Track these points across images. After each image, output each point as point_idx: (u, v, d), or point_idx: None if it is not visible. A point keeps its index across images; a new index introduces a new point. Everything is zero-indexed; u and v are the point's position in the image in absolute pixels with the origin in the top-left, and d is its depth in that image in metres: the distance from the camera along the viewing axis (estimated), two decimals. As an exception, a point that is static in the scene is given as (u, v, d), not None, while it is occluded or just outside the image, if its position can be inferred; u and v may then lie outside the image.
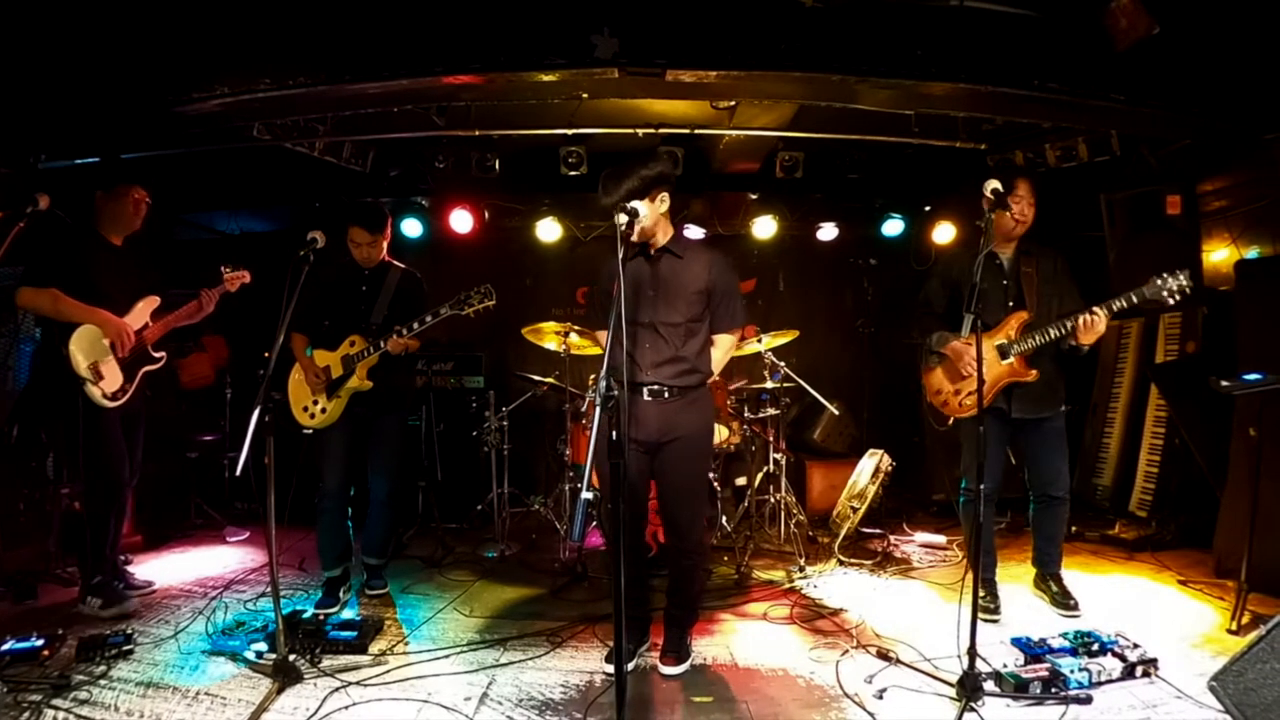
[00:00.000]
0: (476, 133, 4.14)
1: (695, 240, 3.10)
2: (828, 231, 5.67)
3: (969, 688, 2.40)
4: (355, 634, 2.92)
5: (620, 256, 2.27)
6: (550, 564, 4.08)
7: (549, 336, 4.40)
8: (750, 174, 5.39)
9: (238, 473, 2.62)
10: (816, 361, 5.81)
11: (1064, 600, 3.28)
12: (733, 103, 4.06)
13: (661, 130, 4.31)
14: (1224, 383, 2.95)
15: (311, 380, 3.44)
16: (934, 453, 5.12)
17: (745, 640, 3.11)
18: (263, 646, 2.82)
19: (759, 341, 4.39)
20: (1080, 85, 3.37)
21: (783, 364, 4.47)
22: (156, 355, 3.47)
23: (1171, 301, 2.85)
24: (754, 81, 3.48)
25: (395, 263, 3.60)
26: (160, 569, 3.98)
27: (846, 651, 2.93)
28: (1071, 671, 2.52)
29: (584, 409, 4.21)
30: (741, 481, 5.14)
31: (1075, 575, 3.72)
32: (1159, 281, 2.83)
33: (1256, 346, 3.49)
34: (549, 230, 5.50)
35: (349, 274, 3.49)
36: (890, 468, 4.50)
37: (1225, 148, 4.19)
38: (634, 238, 2.58)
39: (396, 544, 4.28)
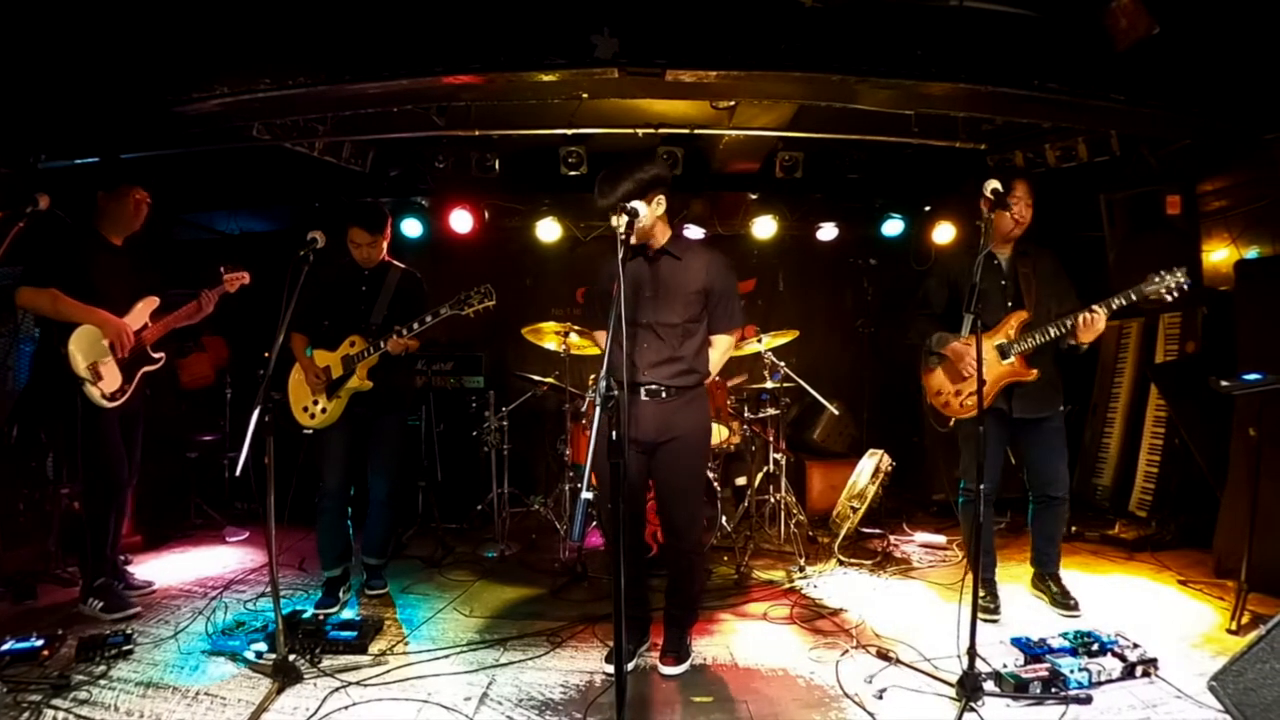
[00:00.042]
0: (476, 133, 4.14)
1: (693, 241, 3.09)
2: (828, 231, 5.67)
3: (969, 688, 2.40)
4: (355, 634, 2.92)
5: (620, 257, 2.26)
6: (550, 564, 4.08)
7: (549, 336, 4.40)
8: (750, 174, 5.39)
9: (238, 473, 2.61)
10: (816, 361, 5.81)
11: (1064, 600, 3.28)
12: (733, 103, 4.05)
13: (661, 130, 4.31)
14: (1224, 383, 2.95)
15: (311, 380, 3.44)
16: (934, 453, 5.12)
17: (745, 640, 3.11)
18: (262, 646, 2.82)
19: (759, 341, 4.39)
20: (1080, 85, 3.37)
21: (783, 364, 4.47)
22: (155, 356, 3.47)
23: (1169, 298, 2.87)
24: (754, 81, 3.48)
25: (395, 263, 3.60)
26: (160, 569, 3.98)
27: (846, 651, 2.93)
28: (1071, 671, 2.52)
29: (584, 409, 4.21)
30: (741, 481, 5.14)
31: (1075, 575, 3.72)
32: (1157, 279, 2.85)
33: (1256, 346, 3.49)
34: (549, 230, 5.50)
35: (349, 274, 3.49)
36: (890, 468, 4.50)
37: (1225, 148, 4.19)
38: (632, 239, 2.58)
39: (396, 544, 4.28)
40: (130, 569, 3.80)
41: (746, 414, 4.49)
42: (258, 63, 3.31)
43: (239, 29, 3.27)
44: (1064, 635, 2.78)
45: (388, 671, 2.75)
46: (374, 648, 2.95)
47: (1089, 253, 4.85)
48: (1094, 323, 2.94)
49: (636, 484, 2.82)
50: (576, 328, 4.27)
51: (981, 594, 3.03)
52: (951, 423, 3.33)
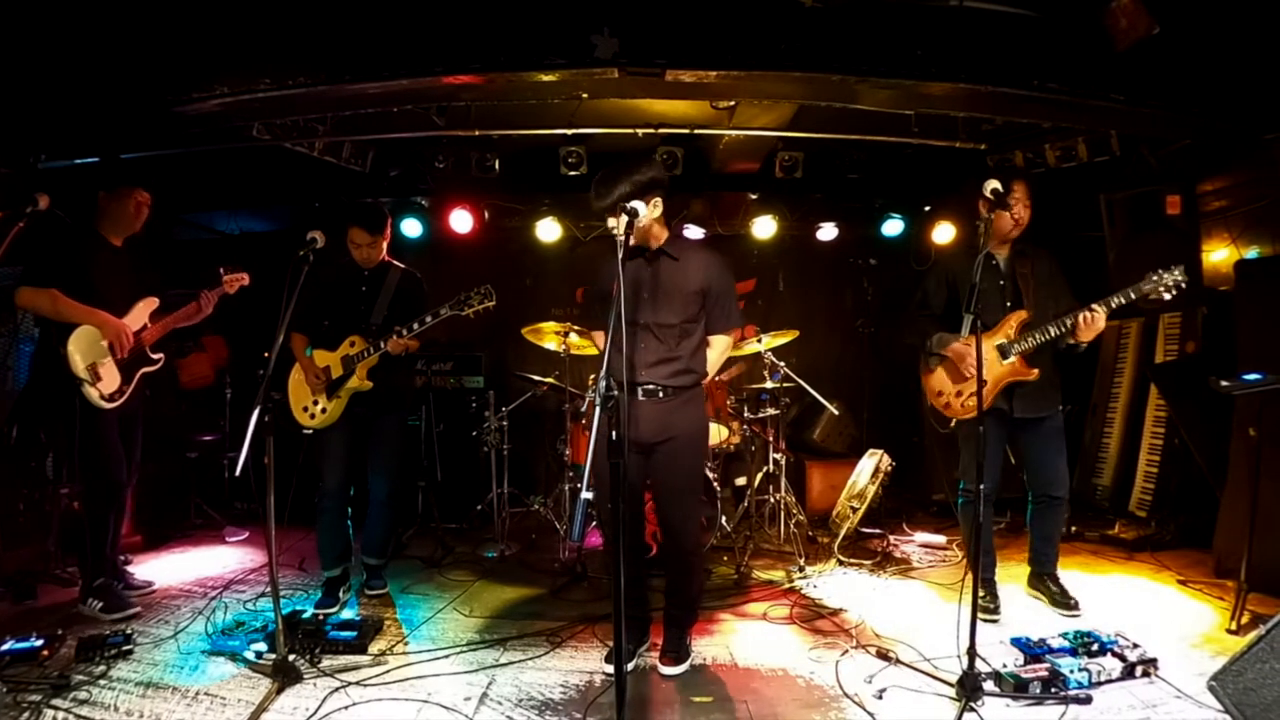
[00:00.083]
0: (476, 133, 4.14)
1: (691, 241, 3.10)
2: (827, 231, 5.67)
3: (969, 688, 2.40)
4: (355, 634, 2.92)
5: (620, 257, 2.26)
6: (550, 564, 4.08)
7: (549, 336, 4.40)
8: (750, 174, 5.39)
9: (237, 473, 2.61)
10: (816, 361, 5.81)
11: (1064, 599, 3.28)
12: (732, 103, 4.06)
13: (661, 130, 4.31)
14: (1224, 383, 2.95)
15: (311, 380, 3.44)
16: (933, 453, 5.12)
17: (745, 640, 3.11)
18: (262, 646, 2.82)
19: (759, 341, 4.39)
20: (1080, 85, 3.37)
21: (782, 364, 4.47)
22: (155, 357, 3.47)
23: (1167, 296, 2.88)
24: (754, 81, 3.48)
25: (395, 263, 3.60)
26: (160, 569, 3.98)
27: (846, 651, 2.93)
28: (1071, 671, 2.52)
29: (584, 409, 4.21)
30: (741, 481, 5.14)
31: (1075, 575, 3.72)
32: (1155, 277, 2.87)
33: (1256, 346, 3.49)
34: (549, 230, 5.50)
35: (349, 274, 3.49)
36: (890, 468, 4.50)
37: (1225, 148, 4.19)
38: (631, 239, 2.58)
39: (396, 544, 4.28)
40: (130, 569, 3.80)
41: (746, 414, 4.49)
42: (258, 63, 3.31)
43: (239, 29, 3.27)
44: (1064, 635, 2.78)
45: (387, 671, 2.75)
46: (374, 648, 2.95)
47: (1089, 253, 4.85)
48: (1094, 322, 2.95)
49: (636, 484, 2.82)
50: (576, 328, 4.27)
51: (981, 594, 3.04)
52: (953, 423, 3.33)
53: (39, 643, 2.76)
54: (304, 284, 2.77)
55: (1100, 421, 4.86)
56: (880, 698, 2.55)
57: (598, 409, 2.03)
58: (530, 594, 3.69)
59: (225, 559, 4.21)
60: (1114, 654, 2.64)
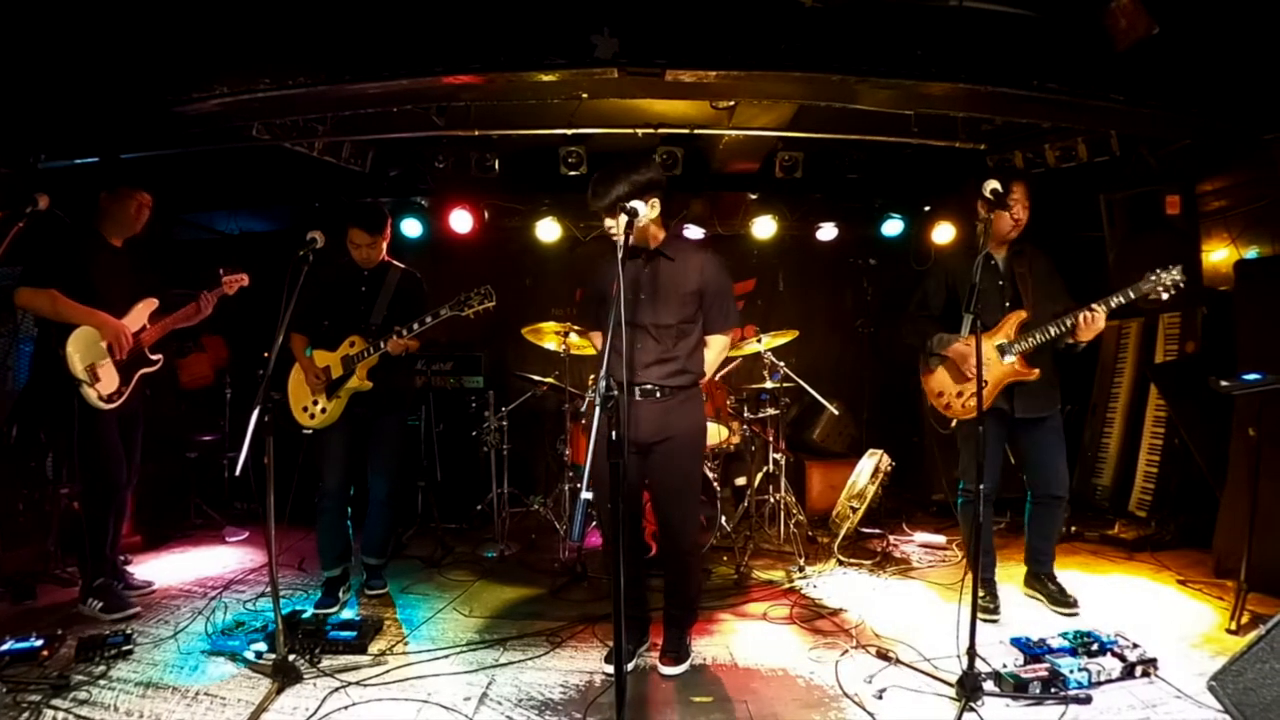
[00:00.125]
0: (476, 133, 4.13)
1: (688, 241, 3.09)
2: (827, 231, 5.67)
3: (968, 688, 2.40)
4: (355, 634, 2.92)
5: (620, 257, 2.27)
6: (550, 564, 4.08)
7: (549, 336, 4.40)
8: (750, 174, 5.39)
9: (237, 473, 2.61)
10: (816, 361, 5.81)
11: (1062, 598, 3.29)
12: (732, 103, 4.05)
13: (661, 130, 4.31)
14: (1223, 383, 2.95)
15: (311, 380, 3.44)
16: (933, 453, 5.12)
17: (745, 640, 3.11)
18: (262, 646, 2.82)
19: (759, 341, 4.39)
20: (1080, 85, 3.37)
21: (782, 364, 4.47)
22: (154, 358, 3.47)
23: (1166, 296, 2.90)
24: (754, 81, 3.48)
25: (395, 263, 3.60)
26: (160, 569, 3.98)
27: (846, 651, 2.93)
28: (1071, 671, 2.52)
29: (584, 409, 4.21)
30: (741, 481, 5.14)
31: (1075, 575, 3.72)
32: (1153, 277, 2.89)
33: (1256, 346, 3.49)
34: (549, 230, 5.50)
35: (349, 274, 3.49)
36: (890, 468, 4.50)
37: (1225, 148, 4.19)
38: (630, 239, 2.58)
39: (396, 544, 4.28)
40: (130, 569, 3.80)
41: (746, 414, 4.49)
42: (258, 63, 3.31)
43: (239, 29, 3.27)
44: (1064, 635, 2.78)
45: (387, 671, 2.75)
46: (374, 648, 2.95)
47: (1089, 253, 4.85)
48: (1094, 321, 2.97)
49: (635, 484, 2.82)
50: (576, 328, 4.27)
51: (981, 594, 3.04)
52: (953, 424, 3.33)
53: (39, 643, 2.76)
54: (304, 284, 2.77)
55: (1100, 421, 4.86)
56: (880, 698, 2.55)
57: (597, 409, 2.03)
58: (530, 594, 3.69)
59: (225, 559, 4.21)
60: (1114, 654, 2.64)
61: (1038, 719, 2.40)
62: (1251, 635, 2.12)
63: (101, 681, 2.64)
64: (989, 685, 2.49)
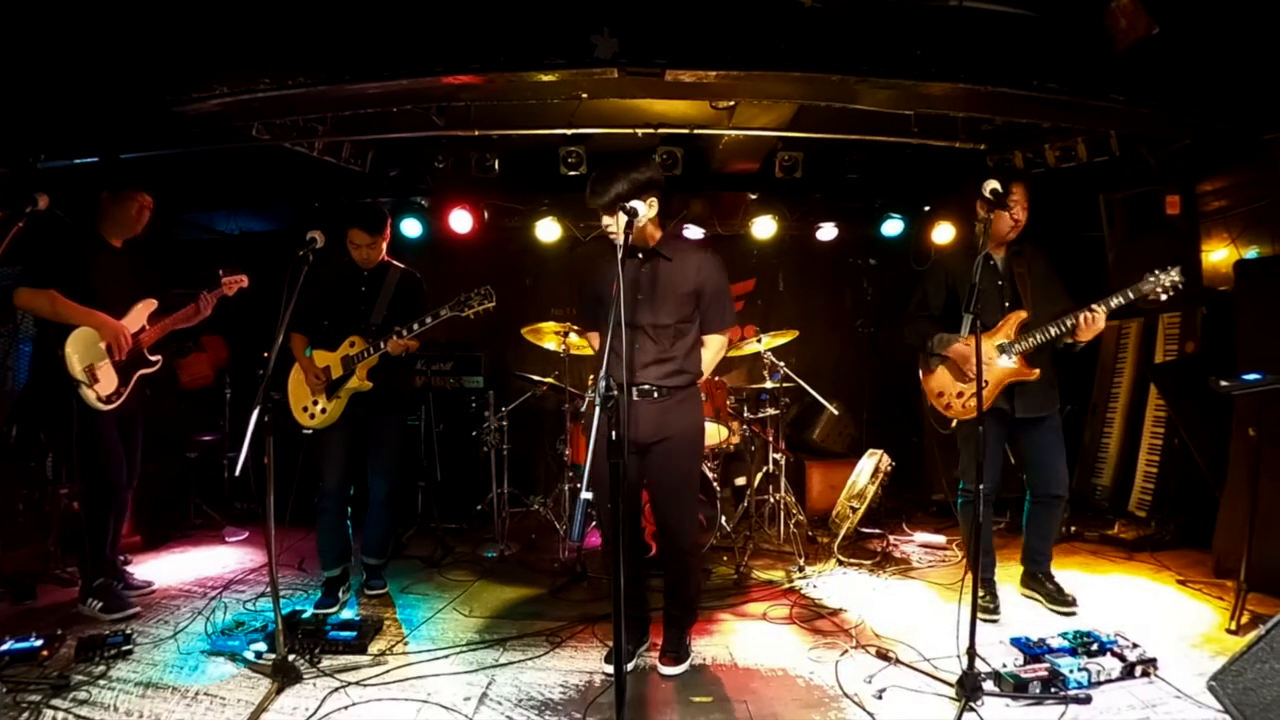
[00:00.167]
0: (476, 133, 4.13)
1: (685, 241, 3.08)
2: (827, 231, 5.67)
3: (968, 687, 2.40)
4: (354, 634, 2.92)
5: (620, 256, 2.27)
6: (550, 564, 4.08)
7: (548, 336, 4.40)
8: (750, 174, 5.39)
9: (237, 473, 2.61)
10: (816, 361, 5.81)
11: (1060, 597, 3.29)
12: (732, 103, 4.05)
13: (661, 130, 4.31)
14: (1223, 383, 2.95)
15: (311, 381, 3.44)
16: (933, 453, 5.12)
17: (744, 640, 3.11)
18: (262, 646, 2.82)
19: (759, 341, 4.39)
20: (1080, 85, 3.37)
21: (782, 364, 4.47)
22: (152, 359, 3.46)
23: (1164, 297, 2.91)
24: (754, 81, 3.48)
25: (395, 263, 3.60)
26: (159, 569, 3.98)
27: (846, 651, 2.93)
28: (1071, 671, 2.52)
29: (584, 409, 4.21)
30: (741, 481, 5.14)
31: (1075, 575, 3.73)
32: (1152, 278, 2.91)
33: (1256, 346, 3.49)
34: (548, 230, 5.50)
35: (348, 274, 3.49)
36: (889, 468, 4.50)
37: (1225, 148, 4.19)
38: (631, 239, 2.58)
39: (396, 544, 4.28)
40: (130, 569, 3.80)
41: (746, 414, 4.49)
42: (258, 63, 3.31)
43: (239, 29, 3.27)
44: (1063, 635, 2.78)
45: (387, 671, 2.75)
46: (373, 648, 2.95)
47: (1089, 253, 4.85)
48: (1094, 322, 2.97)
49: (634, 484, 2.82)
50: (576, 328, 4.27)
51: (981, 594, 3.04)
52: (953, 424, 3.33)
53: (38, 643, 2.76)
54: (303, 284, 2.77)
55: (1100, 421, 4.86)
56: (880, 698, 2.55)
57: (597, 409, 2.03)
58: (530, 594, 3.69)
59: (225, 559, 4.21)
60: (1113, 654, 2.64)
61: (1038, 719, 2.40)
62: (1251, 635, 2.12)
63: (101, 681, 2.64)
64: (989, 685, 2.49)
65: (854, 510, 4.40)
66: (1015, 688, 2.47)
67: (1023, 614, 3.27)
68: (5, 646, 2.72)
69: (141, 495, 4.27)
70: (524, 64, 3.23)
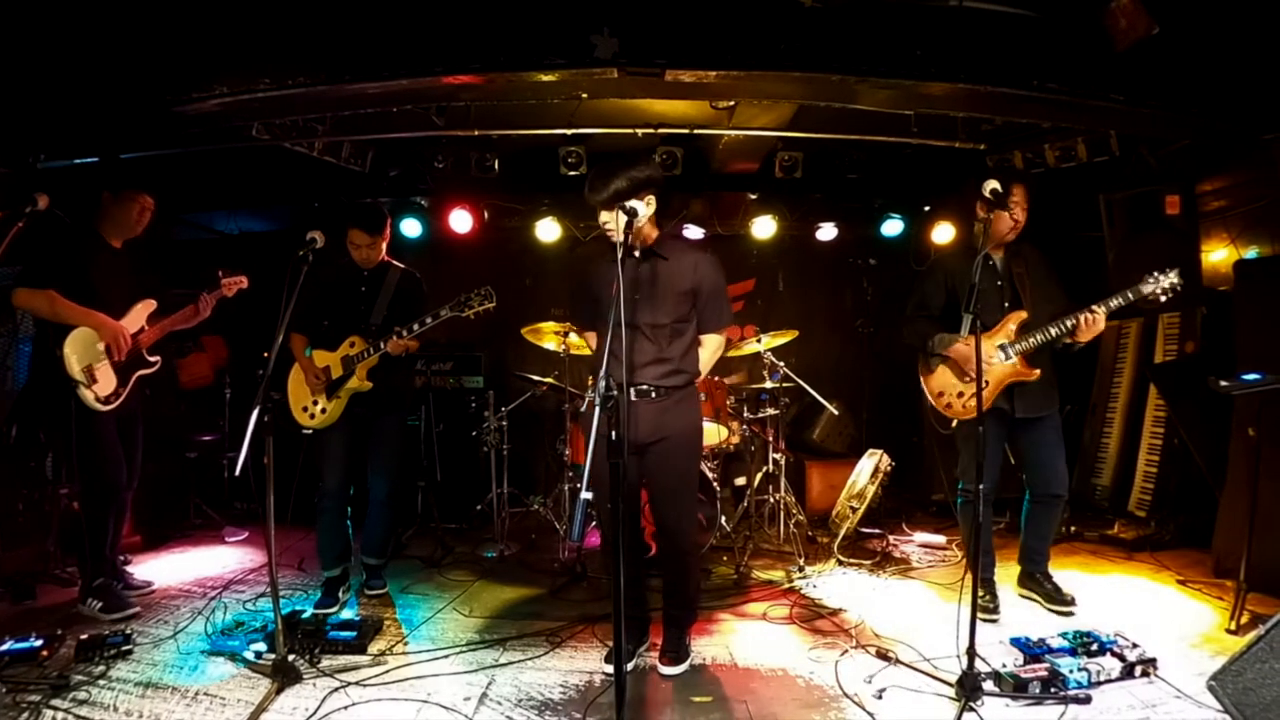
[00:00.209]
0: (476, 133, 4.13)
1: (682, 241, 3.08)
2: (827, 231, 5.67)
3: (968, 687, 2.40)
4: (354, 634, 2.92)
5: (620, 256, 2.27)
6: (550, 564, 4.08)
7: (548, 336, 4.40)
8: (749, 174, 5.39)
9: (237, 473, 2.61)
10: (816, 361, 5.81)
11: (1059, 596, 3.29)
12: (732, 103, 4.05)
13: (661, 130, 4.31)
14: (1223, 383, 2.96)
15: (311, 381, 3.44)
16: (933, 453, 5.12)
17: (744, 640, 3.11)
18: (262, 647, 2.82)
19: (759, 341, 4.39)
20: (1080, 85, 3.37)
21: (782, 364, 4.47)
22: (151, 359, 3.46)
23: (1163, 299, 2.93)
24: (754, 81, 3.48)
25: (395, 263, 3.60)
26: (159, 569, 3.98)
27: (846, 651, 2.93)
28: (1070, 671, 2.52)
29: (583, 409, 4.21)
30: (741, 481, 5.14)
31: (1074, 575, 3.73)
32: (1151, 279, 2.93)
33: (1255, 346, 3.49)
34: (548, 230, 5.50)
35: (348, 274, 3.49)
36: (889, 468, 4.50)
37: (1224, 148, 4.19)
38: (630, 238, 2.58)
39: (396, 544, 4.28)
40: (129, 569, 3.80)
41: (746, 414, 4.49)
42: (257, 63, 3.31)
43: (239, 29, 3.27)
44: (1063, 635, 2.78)
45: (387, 671, 2.75)
46: (373, 648, 2.95)
47: (1089, 253, 4.86)
48: (1094, 323, 2.98)
49: (633, 484, 2.82)
50: (575, 328, 4.27)
51: (981, 594, 3.04)
52: (953, 424, 3.33)
53: (38, 643, 2.76)
54: (303, 284, 2.77)
55: (1100, 421, 4.86)
56: (880, 698, 2.55)
57: (597, 409, 2.03)
58: (530, 594, 3.69)
59: (225, 559, 4.21)
60: (1113, 654, 2.64)
61: (1037, 719, 2.40)
62: (1251, 635, 2.12)
63: (101, 681, 2.64)
64: (989, 685, 2.49)
65: (854, 510, 4.40)
66: (1015, 688, 2.47)
67: (1022, 614, 3.27)
68: (5, 646, 2.72)
69: (141, 495, 4.26)
70: (524, 64, 3.23)
